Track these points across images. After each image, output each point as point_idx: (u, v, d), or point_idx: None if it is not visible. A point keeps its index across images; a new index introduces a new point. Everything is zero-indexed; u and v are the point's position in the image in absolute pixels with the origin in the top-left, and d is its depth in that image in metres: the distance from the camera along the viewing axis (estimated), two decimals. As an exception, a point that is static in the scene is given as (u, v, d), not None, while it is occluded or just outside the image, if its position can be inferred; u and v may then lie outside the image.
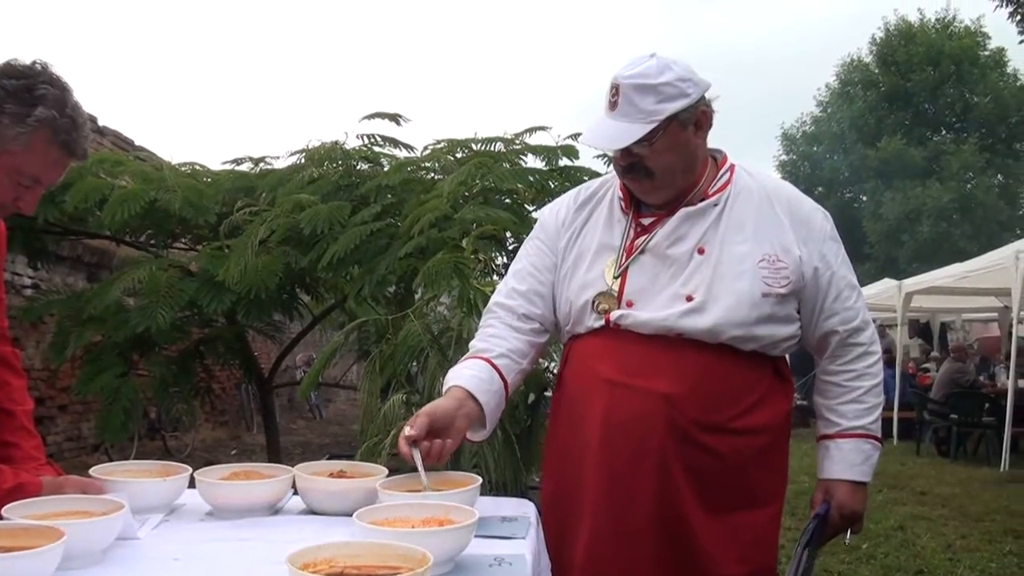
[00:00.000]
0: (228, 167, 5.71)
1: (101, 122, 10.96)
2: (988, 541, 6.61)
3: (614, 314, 2.12)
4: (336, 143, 5.16)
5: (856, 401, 2.22)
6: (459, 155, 4.93)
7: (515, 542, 1.76)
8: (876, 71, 25.36)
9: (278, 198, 4.62)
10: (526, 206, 4.82)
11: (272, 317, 5.20)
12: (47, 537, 1.43)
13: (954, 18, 25.74)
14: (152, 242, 5.55)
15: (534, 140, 5.01)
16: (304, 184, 4.74)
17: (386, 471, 2.05)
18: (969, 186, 23.19)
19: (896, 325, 14.27)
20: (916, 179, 22.66)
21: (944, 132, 25.37)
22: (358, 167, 4.94)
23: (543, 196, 4.73)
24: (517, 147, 4.92)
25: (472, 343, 2.28)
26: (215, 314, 4.76)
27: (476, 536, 1.65)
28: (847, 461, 2.22)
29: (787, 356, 2.27)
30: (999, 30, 24.87)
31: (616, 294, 2.14)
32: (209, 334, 5.30)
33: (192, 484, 2.01)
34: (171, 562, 1.62)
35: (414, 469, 1.95)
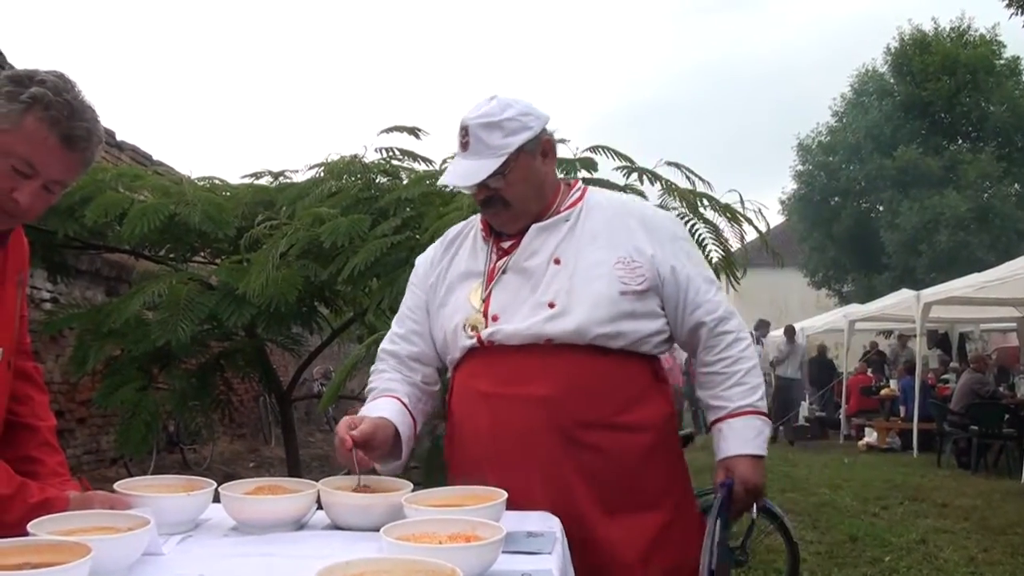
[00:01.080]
0: (247, 181, 5.73)
1: (119, 137, 11.01)
2: (1011, 554, 6.55)
3: (484, 332, 2.27)
4: (355, 156, 5.18)
5: (738, 384, 2.33)
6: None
7: (542, 557, 1.74)
8: (891, 81, 25.28)
9: (298, 211, 4.64)
10: (545, 219, 4.82)
11: (291, 330, 5.21)
12: (74, 553, 1.43)
13: (969, 27, 25.64)
14: (171, 256, 5.57)
15: (552, 153, 5.00)
16: (323, 198, 4.75)
17: (411, 485, 2.04)
18: (987, 195, 23.03)
19: (915, 336, 14.19)
20: (933, 189, 22.54)
21: (961, 141, 25.24)
22: (377, 180, 4.95)
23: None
24: (535, 160, 4.91)
25: (372, 385, 2.44)
26: (235, 327, 4.77)
27: (502, 552, 1.64)
28: (742, 437, 2.32)
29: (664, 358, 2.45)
30: (1015, 38, 24.84)
31: (483, 313, 2.29)
32: (229, 347, 5.32)
33: (216, 499, 2.02)
34: (196, 577, 1.61)
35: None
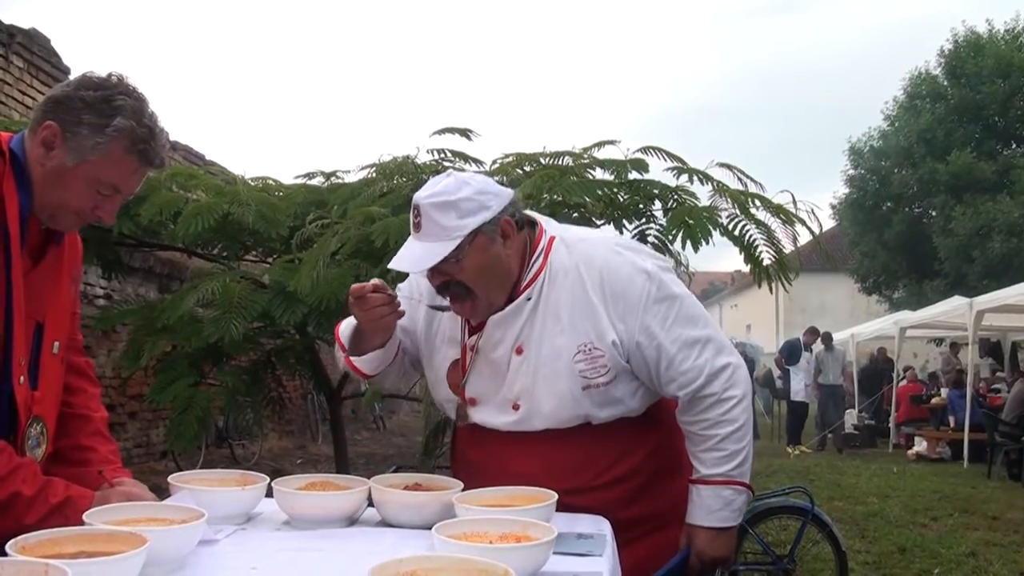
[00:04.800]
0: (300, 181, 5.79)
1: (172, 137, 11.16)
2: (1063, 569, 6.42)
3: (468, 417, 2.27)
4: (407, 157, 5.21)
5: (714, 449, 2.20)
6: (527, 168, 4.94)
7: (592, 559, 1.75)
8: (945, 83, 24.89)
9: (349, 211, 4.67)
10: (594, 219, 4.82)
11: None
12: (129, 543, 1.46)
13: (1024, 29, 25.20)
14: (224, 254, 5.63)
15: (603, 154, 5.00)
16: (374, 198, 4.78)
17: (461, 484, 2.06)
18: (1041, 201, 22.62)
19: (967, 344, 13.97)
20: (986, 194, 22.15)
21: (1015, 145, 24.76)
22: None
23: (612, 209, 4.72)
24: (585, 161, 4.91)
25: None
26: (287, 325, 4.82)
27: (553, 553, 1.64)
28: (705, 508, 2.22)
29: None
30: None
31: (461, 396, 2.27)
32: (280, 345, 5.37)
33: (268, 494, 2.04)
34: (249, 571, 1.64)
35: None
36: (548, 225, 2.30)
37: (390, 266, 2.21)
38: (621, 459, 2.24)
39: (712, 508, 2.21)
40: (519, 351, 2.18)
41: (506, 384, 2.20)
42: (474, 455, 2.31)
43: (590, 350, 2.14)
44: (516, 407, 2.19)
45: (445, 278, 2.14)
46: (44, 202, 1.85)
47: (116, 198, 1.89)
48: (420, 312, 2.35)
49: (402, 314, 2.19)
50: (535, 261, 2.21)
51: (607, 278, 2.17)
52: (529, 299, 2.18)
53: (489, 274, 2.14)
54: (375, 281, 2.15)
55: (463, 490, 2.04)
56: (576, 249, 2.22)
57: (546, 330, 2.17)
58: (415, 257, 2.12)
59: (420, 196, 2.12)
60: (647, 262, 2.23)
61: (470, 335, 2.25)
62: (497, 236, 2.13)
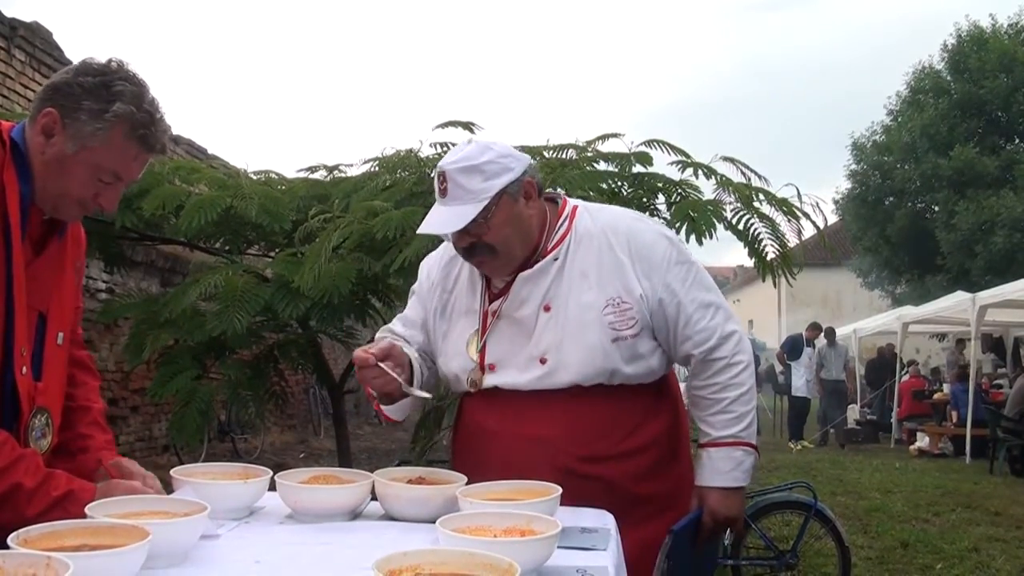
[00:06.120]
0: (303, 175, 5.77)
1: (175, 131, 11.17)
2: (1066, 564, 6.42)
3: (483, 383, 2.29)
4: (410, 151, 5.20)
5: (723, 412, 2.31)
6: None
7: (597, 553, 1.74)
8: (948, 78, 24.81)
9: (352, 205, 4.66)
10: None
11: (344, 323, 5.23)
12: (131, 536, 1.45)
13: (1028, 24, 25.08)
14: (227, 248, 5.62)
15: (606, 147, 4.98)
16: (377, 191, 4.77)
17: (464, 478, 2.05)
18: (1044, 196, 22.57)
19: (970, 339, 13.95)
20: (989, 189, 22.11)
21: (1018, 141, 24.67)
22: (432, 175, 4.95)
23: (615, 202, 4.70)
24: (589, 154, 4.90)
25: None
26: (290, 319, 4.81)
27: (557, 547, 1.63)
28: (716, 469, 2.32)
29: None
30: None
31: (479, 364, 2.30)
32: (283, 339, 5.36)
33: (272, 487, 2.03)
34: (252, 564, 1.63)
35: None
36: (570, 199, 2.42)
37: (419, 231, 2.29)
38: (637, 429, 2.29)
39: (723, 469, 2.31)
40: (547, 308, 2.26)
41: (532, 341, 2.25)
42: (488, 422, 2.31)
43: (619, 303, 2.23)
44: (543, 361, 2.24)
45: (472, 239, 2.21)
46: (45, 191, 1.84)
47: (118, 185, 1.88)
48: (434, 296, 2.43)
49: (399, 387, 2.19)
50: (560, 226, 2.31)
51: (633, 240, 2.29)
52: (556, 259, 2.27)
53: (513, 233, 2.23)
54: (374, 350, 2.17)
55: (472, 462, 2.13)
56: (600, 216, 2.34)
57: (573, 288, 2.25)
58: (444, 220, 2.20)
59: (445, 163, 2.20)
60: (666, 230, 2.41)
61: (491, 301, 2.32)
62: (520, 196, 2.23)
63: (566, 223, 2.32)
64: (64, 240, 1.98)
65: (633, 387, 2.28)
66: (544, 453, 2.20)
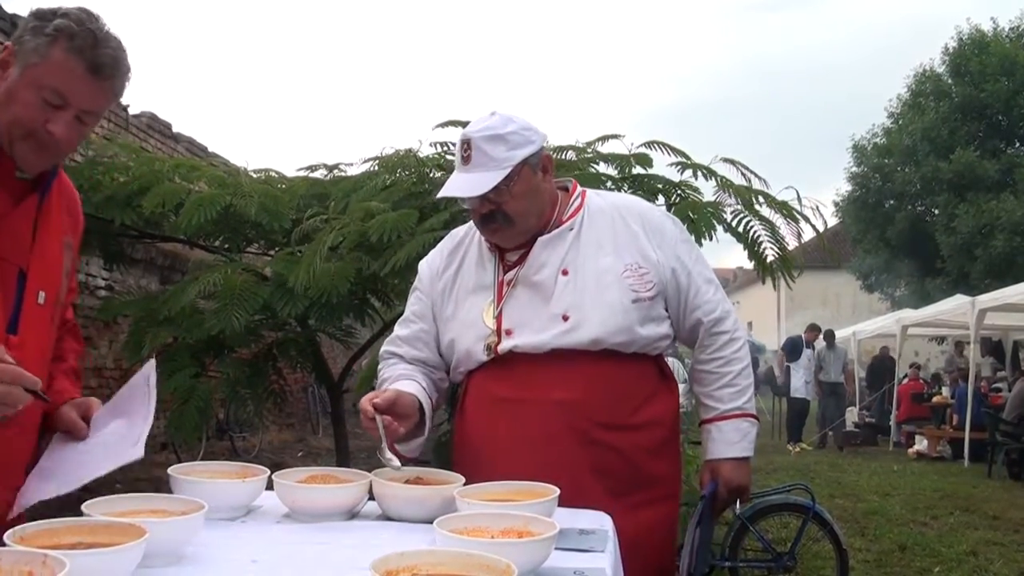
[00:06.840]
0: (302, 174, 5.76)
1: (175, 129, 11.18)
2: (1064, 568, 6.42)
3: (500, 347, 2.31)
4: (410, 151, 5.19)
5: (729, 385, 2.42)
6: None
7: (594, 555, 1.74)
8: (949, 81, 24.82)
9: (351, 205, 4.65)
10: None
11: (343, 322, 5.22)
12: (128, 534, 1.44)
13: (1029, 27, 25.08)
14: (226, 246, 5.61)
15: (606, 148, 4.98)
16: (376, 191, 4.76)
17: (462, 479, 2.05)
18: (1044, 200, 22.57)
19: (969, 342, 13.96)
20: (990, 192, 22.13)
21: (1018, 144, 24.70)
22: (431, 175, 4.95)
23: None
24: (588, 155, 4.89)
25: (384, 376, 2.45)
26: (289, 318, 4.80)
27: (555, 548, 1.63)
28: (727, 441, 2.42)
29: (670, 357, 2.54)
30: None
31: (496, 330, 2.32)
32: (281, 338, 5.35)
33: (269, 486, 2.03)
34: (249, 563, 1.62)
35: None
36: (579, 186, 2.51)
37: (440, 195, 2.37)
38: (649, 402, 2.36)
39: (733, 440, 2.42)
40: (565, 272, 2.31)
41: (552, 301, 2.30)
42: (502, 390, 2.32)
43: (637, 267, 2.32)
44: (565, 318, 2.28)
45: (492, 206, 2.27)
46: (1, 125, 1.81)
47: (66, 111, 1.81)
48: (438, 282, 2.46)
49: (399, 430, 2.19)
50: (573, 203, 2.41)
51: (644, 215, 2.42)
52: (571, 229, 2.35)
53: (531, 204, 2.30)
54: (379, 400, 2.16)
55: (481, 436, 2.19)
56: (608, 198, 2.49)
57: (590, 255, 2.33)
58: (468, 186, 2.26)
59: (470, 131, 2.28)
60: (671, 215, 2.58)
61: (506, 272, 2.36)
62: (539, 170, 2.32)
63: (579, 200, 2.41)
64: (48, 201, 1.94)
65: (643, 360, 2.35)
66: (562, 418, 2.25)
